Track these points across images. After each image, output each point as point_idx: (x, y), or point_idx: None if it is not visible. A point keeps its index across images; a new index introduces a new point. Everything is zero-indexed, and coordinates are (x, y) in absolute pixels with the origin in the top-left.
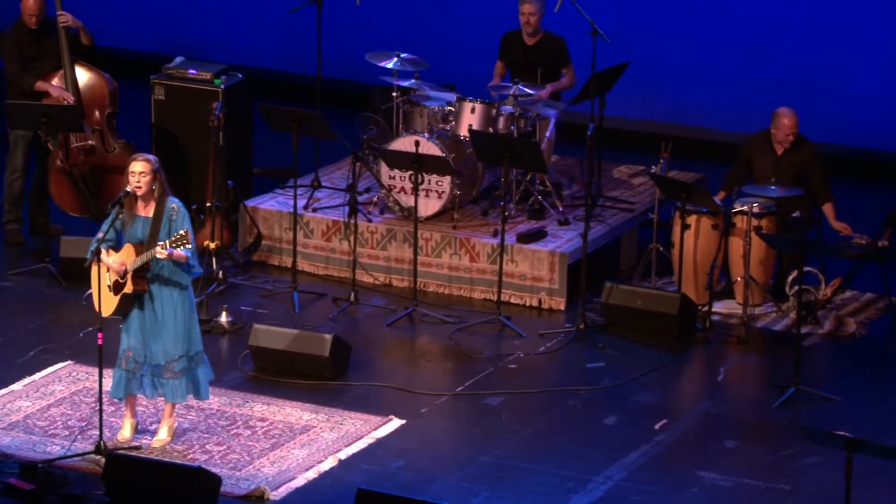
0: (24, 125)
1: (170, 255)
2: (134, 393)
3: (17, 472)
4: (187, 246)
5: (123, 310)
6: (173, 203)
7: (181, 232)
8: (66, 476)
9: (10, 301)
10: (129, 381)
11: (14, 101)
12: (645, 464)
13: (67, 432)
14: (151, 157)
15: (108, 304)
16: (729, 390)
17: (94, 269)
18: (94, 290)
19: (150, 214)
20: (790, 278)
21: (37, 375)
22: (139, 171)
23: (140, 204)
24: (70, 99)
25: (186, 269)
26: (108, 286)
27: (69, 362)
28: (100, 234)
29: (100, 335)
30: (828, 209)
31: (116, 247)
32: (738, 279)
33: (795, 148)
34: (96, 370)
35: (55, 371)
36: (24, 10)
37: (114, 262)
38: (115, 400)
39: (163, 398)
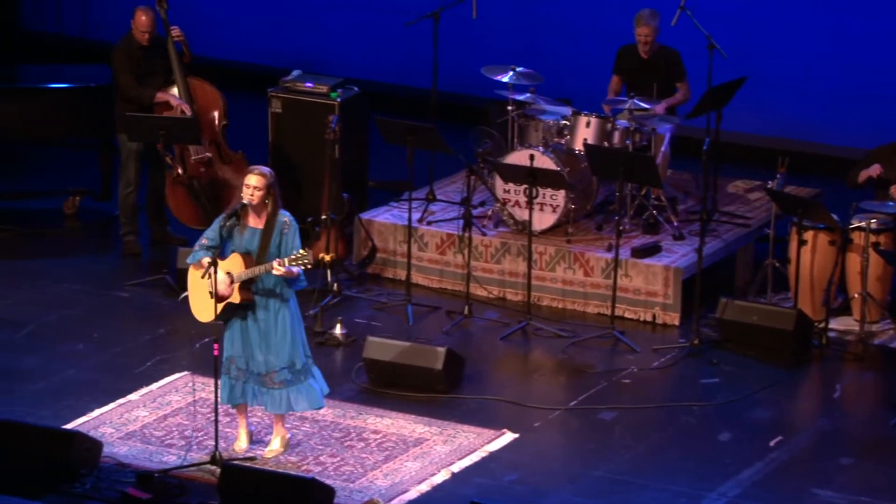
0: (143, 137)
1: (287, 272)
2: (238, 402)
3: (134, 482)
4: (307, 265)
5: (225, 317)
6: (285, 217)
7: (301, 251)
8: (182, 486)
9: (127, 311)
10: (233, 389)
11: (133, 114)
12: (759, 481)
13: (184, 442)
14: (267, 170)
15: (208, 310)
16: (845, 407)
17: (193, 272)
18: (191, 294)
19: (261, 226)
20: None
21: (154, 386)
22: (254, 185)
23: (251, 215)
24: (188, 110)
25: (292, 282)
26: (210, 292)
27: (186, 373)
28: (203, 241)
29: (216, 346)
30: None
31: (221, 254)
32: (856, 295)
33: None
34: (213, 380)
35: (172, 381)
36: (137, 27)
37: (220, 276)
38: (225, 405)
39: (262, 406)
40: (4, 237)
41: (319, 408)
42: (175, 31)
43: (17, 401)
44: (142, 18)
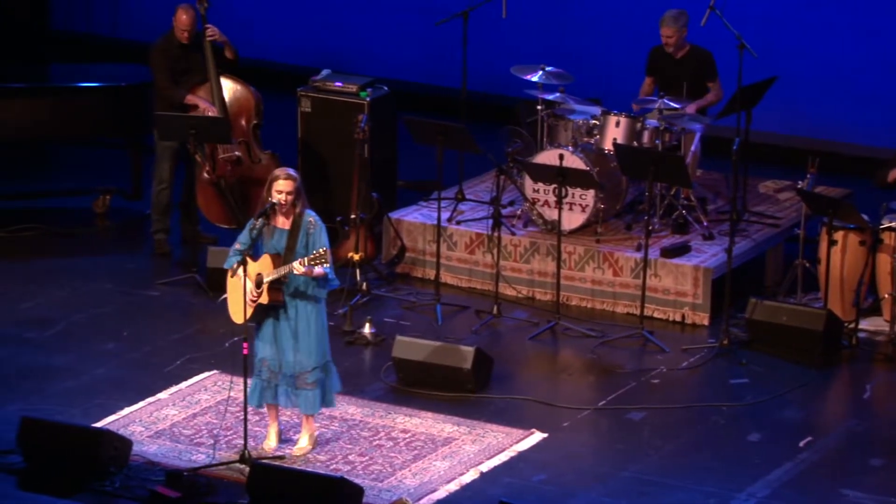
0: (173, 137)
1: (308, 271)
2: (269, 402)
3: (163, 480)
4: (325, 264)
5: (257, 318)
6: (310, 216)
7: (320, 250)
8: (211, 484)
9: (157, 310)
10: (265, 391)
11: (163, 113)
12: (788, 481)
13: (213, 441)
14: (293, 172)
15: (241, 311)
16: (875, 408)
17: (231, 275)
18: (229, 296)
19: (288, 227)
20: None
21: (183, 384)
22: (285, 191)
23: (279, 216)
24: (215, 113)
25: (323, 283)
26: (244, 294)
27: (215, 371)
28: (237, 245)
29: (245, 345)
30: None
31: (254, 256)
32: (886, 296)
33: None
34: (241, 379)
35: (201, 380)
36: (177, 25)
37: (250, 273)
38: (252, 407)
39: (297, 408)
40: (35, 236)
41: (332, 406)
42: (209, 31)
43: (47, 399)
44: (182, 17)
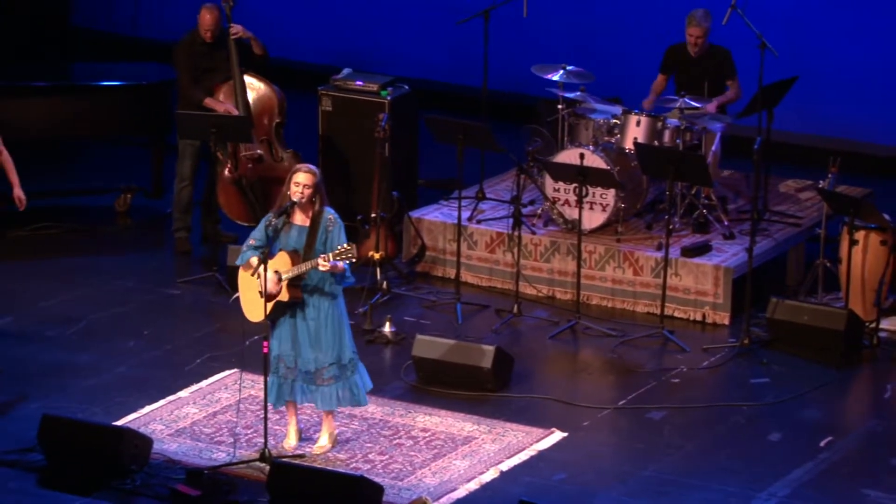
0: (195, 135)
1: (333, 267)
2: (287, 399)
3: (184, 478)
4: (351, 259)
5: (274, 316)
6: (329, 214)
7: (345, 245)
8: (232, 483)
9: (177, 309)
10: (282, 388)
11: (184, 112)
12: (809, 481)
13: (233, 439)
14: (314, 168)
15: (258, 309)
16: None
17: (243, 273)
18: (242, 294)
19: (307, 224)
20: None
21: (203, 383)
22: (304, 183)
23: (298, 213)
24: (235, 113)
25: (339, 279)
26: (259, 292)
27: (235, 370)
28: (251, 241)
29: (265, 344)
30: None
31: (268, 253)
32: None
33: None
34: (262, 378)
35: (221, 379)
36: (201, 24)
37: (269, 275)
38: (270, 405)
39: (313, 404)
40: (56, 234)
41: (363, 405)
42: (234, 28)
43: (68, 397)
44: (206, 17)
